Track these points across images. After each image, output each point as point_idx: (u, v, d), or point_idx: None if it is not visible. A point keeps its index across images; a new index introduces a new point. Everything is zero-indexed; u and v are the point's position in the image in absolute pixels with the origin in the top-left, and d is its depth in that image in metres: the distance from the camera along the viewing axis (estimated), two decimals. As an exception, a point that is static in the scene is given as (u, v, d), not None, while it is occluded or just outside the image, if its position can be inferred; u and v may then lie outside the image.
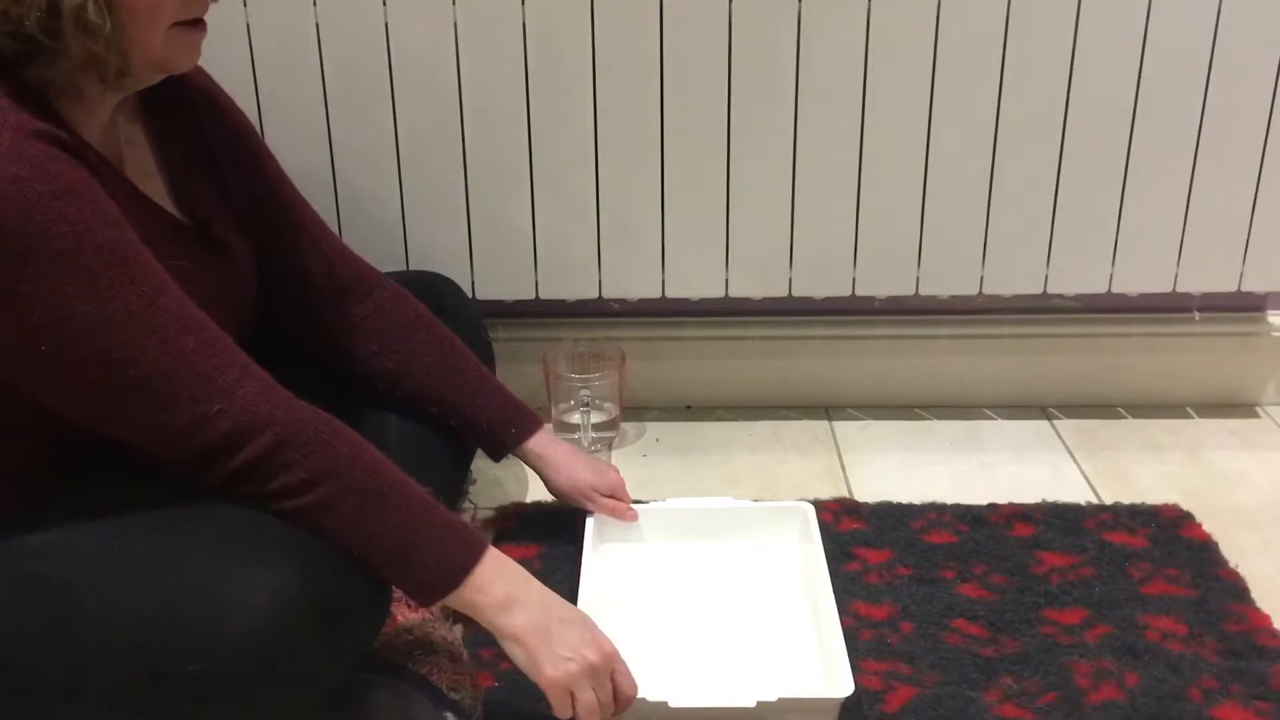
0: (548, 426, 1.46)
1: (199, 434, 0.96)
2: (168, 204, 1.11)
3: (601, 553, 1.44)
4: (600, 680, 1.08)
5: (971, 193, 1.65)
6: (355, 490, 1.00)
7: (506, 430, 1.41)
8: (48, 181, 0.90)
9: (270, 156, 1.28)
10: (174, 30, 1.00)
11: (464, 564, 1.05)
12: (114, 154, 1.06)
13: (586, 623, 1.12)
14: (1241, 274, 1.69)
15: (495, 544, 1.46)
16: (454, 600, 1.05)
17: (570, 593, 1.29)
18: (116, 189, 0.99)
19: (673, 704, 1.15)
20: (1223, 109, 1.60)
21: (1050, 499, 1.58)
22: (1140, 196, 1.65)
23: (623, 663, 1.11)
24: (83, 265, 0.91)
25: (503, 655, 1.09)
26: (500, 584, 1.06)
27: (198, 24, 1.02)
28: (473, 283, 1.69)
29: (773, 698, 1.14)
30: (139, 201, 1.05)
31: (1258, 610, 1.35)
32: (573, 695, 1.07)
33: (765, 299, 1.75)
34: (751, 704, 1.14)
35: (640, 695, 1.13)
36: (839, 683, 1.15)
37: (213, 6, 1.03)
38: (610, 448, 1.75)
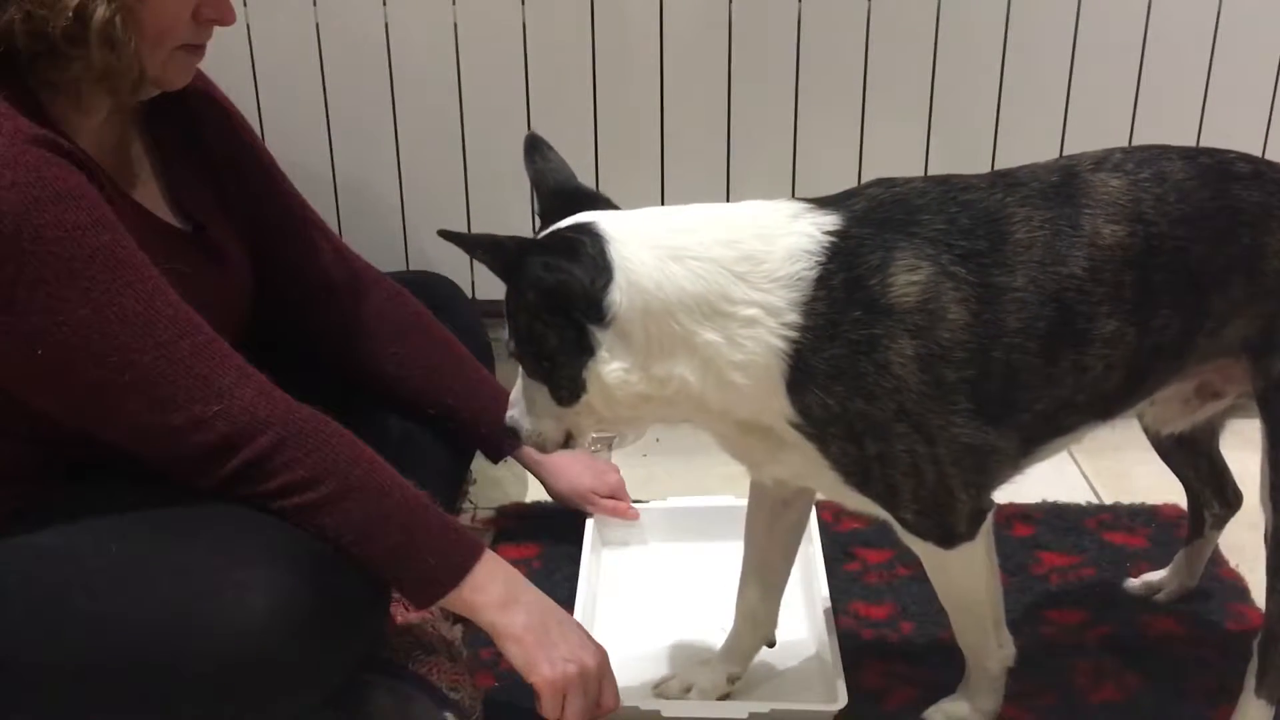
0: (547, 428, 1.46)
1: (197, 435, 0.96)
2: (163, 209, 1.11)
3: (601, 553, 1.44)
4: (591, 686, 1.08)
5: (971, 192, 1.65)
6: (356, 489, 1.00)
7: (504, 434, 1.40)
8: (44, 186, 0.90)
9: (269, 157, 1.28)
10: (177, 51, 1.01)
11: (463, 564, 1.04)
12: (110, 159, 1.06)
13: (581, 627, 1.13)
14: (1242, 274, 1.69)
15: (495, 544, 1.47)
16: (452, 600, 1.05)
17: (570, 593, 1.29)
18: (112, 194, 0.99)
19: (666, 714, 1.14)
20: (1223, 109, 1.60)
21: (1050, 499, 1.57)
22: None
23: (610, 671, 1.11)
24: (79, 269, 0.91)
25: (503, 655, 1.08)
26: (498, 584, 1.06)
27: (199, 46, 1.04)
28: (473, 283, 1.69)
29: (765, 709, 1.14)
30: (134, 207, 1.05)
31: (1258, 610, 1.34)
32: (564, 697, 1.07)
33: (765, 299, 1.74)
34: (744, 715, 1.14)
35: (633, 704, 1.13)
36: (832, 694, 1.15)
37: None
38: (610, 448, 1.75)
